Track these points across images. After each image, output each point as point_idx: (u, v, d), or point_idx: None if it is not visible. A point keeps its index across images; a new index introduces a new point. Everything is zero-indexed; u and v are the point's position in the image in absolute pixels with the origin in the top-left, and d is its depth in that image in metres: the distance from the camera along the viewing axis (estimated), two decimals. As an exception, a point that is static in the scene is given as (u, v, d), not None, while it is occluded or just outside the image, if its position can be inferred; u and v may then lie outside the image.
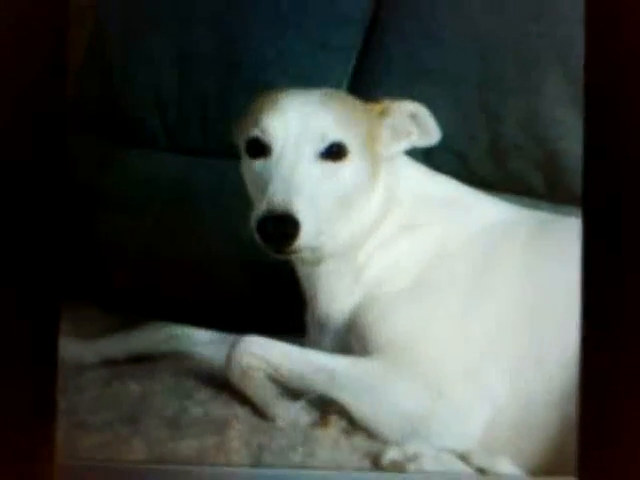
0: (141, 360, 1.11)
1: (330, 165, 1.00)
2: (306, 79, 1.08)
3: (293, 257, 1.04)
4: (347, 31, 1.31)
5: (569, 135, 1.15)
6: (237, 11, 1.29)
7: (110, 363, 1.11)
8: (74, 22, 1.06)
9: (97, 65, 1.34)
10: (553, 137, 1.19)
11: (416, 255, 1.06)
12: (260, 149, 1.01)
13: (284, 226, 0.95)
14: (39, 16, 1.03)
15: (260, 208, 0.95)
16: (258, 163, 1.01)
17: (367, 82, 1.27)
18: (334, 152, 1.00)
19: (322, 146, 1.00)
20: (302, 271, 1.09)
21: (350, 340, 1.05)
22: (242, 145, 1.04)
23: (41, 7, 1.03)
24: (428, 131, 1.05)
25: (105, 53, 1.34)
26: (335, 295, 1.07)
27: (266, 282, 1.23)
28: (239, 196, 1.04)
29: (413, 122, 1.05)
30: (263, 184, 0.98)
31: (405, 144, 1.06)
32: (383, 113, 1.05)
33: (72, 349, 1.08)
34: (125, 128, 1.37)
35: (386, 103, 1.06)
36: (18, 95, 1.04)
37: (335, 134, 1.00)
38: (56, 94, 1.05)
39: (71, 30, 1.05)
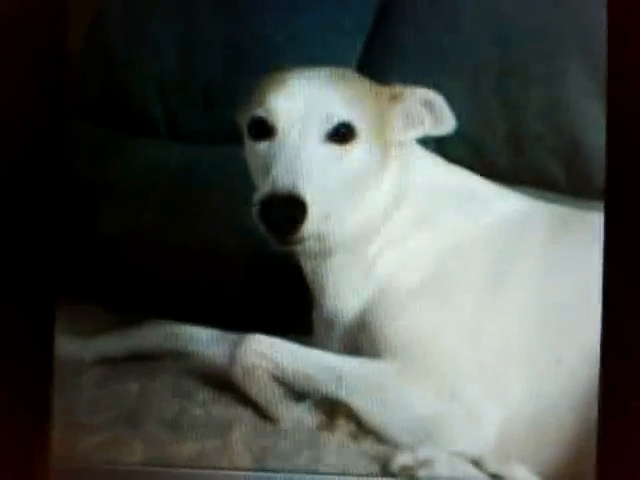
0: (140, 359, 1.10)
1: (338, 147, 0.98)
2: (316, 62, 1.06)
3: (298, 249, 1.01)
4: (359, 12, 1.28)
5: (592, 126, 1.12)
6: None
7: (108, 362, 1.10)
8: (74, 7, 1.05)
9: (98, 52, 1.32)
10: (575, 127, 1.17)
11: (429, 250, 1.04)
12: (264, 130, 0.99)
13: (289, 209, 0.92)
14: (39, 1, 1.03)
15: (263, 190, 0.93)
16: (262, 145, 0.99)
17: (379, 68, 1.23)
18: (342, 133, 0.98)
19: (329, 127, 0.98)
20: (308, 266, 1.07)
21: (359, 340, 1.03)
22: (246, 126, 1.02)
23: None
24: (442, 119, 1.03)
25: (106, 39, 1.32)
26: (344, 292, 1.05)
27: (271, 277, 1.20)
28: (246, 185, 1.01)
29: (426, 109, 1.03)
30: (267, 166, 0.96)
31: (417, 132, 1.04)
32: (395, 98, 1.03)
33: (69, 347, 1.07)
34: (126, 116, 1.36)
35: (398, 88, 1.04)
36: (16, 83, 1.04)
37: (343, 114, 0.98)
38: (55, 82, 1.05)
39: (71, 15, 1.05)
